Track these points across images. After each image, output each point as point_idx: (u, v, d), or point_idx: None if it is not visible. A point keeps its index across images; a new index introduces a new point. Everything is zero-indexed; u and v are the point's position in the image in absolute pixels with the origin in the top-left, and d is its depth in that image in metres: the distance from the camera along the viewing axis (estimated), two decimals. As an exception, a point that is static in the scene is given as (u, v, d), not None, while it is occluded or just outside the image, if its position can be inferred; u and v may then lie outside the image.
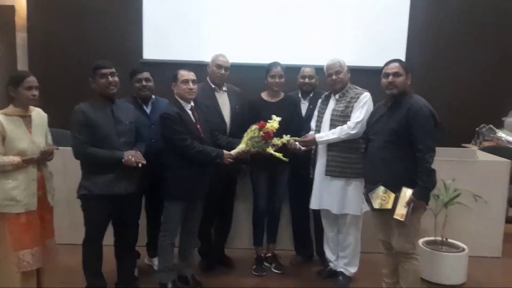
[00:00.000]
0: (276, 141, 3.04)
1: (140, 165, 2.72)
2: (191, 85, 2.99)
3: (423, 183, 2.59)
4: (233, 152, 3.01)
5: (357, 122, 3.02)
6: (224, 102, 3.42)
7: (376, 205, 2.72)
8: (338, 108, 3.14)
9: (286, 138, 3.09)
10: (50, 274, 2.85)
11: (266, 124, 3.00)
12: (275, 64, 3.39)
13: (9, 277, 2.62)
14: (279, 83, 3.36)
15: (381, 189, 2.70)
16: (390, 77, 2.70)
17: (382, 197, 2.70)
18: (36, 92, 2.62)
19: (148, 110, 3.27)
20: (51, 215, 2.81)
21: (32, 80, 2.60)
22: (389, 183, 2.68)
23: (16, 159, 2.53)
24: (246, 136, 3.02)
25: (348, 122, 3.06)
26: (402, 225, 2.65)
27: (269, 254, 3.58)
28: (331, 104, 3.22)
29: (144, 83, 3.21)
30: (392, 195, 2.66)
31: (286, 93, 3.52)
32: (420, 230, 2.75)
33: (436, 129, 2.63)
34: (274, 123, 3.01)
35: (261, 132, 2.98)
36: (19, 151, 2.56)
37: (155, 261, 3.42)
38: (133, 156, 2.72)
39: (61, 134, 3.26)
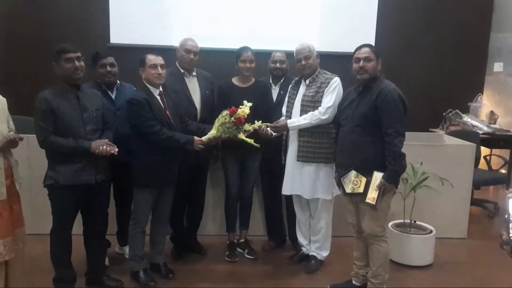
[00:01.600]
0: (248, 127, 3.01)
1: (113, 152, 2.65)
2: (159, 70, 2.92)
3: (392, 166, 2.63)
4: (204, 138, 2.97)
5: (328, 107, 3.03)
6: (194, 87, 3.37)
7: (348, 189, 2.75)
8: (309, 93, 3.14)
9: (257, 123, 3.07)
10: (17, 265, 2.73)
11: (237, 110, 2.96)
12: (245, 48, 3.35)
13: None
14: (250, 68, 3.33)
15: (352, 173, 2.73)
16: (361, 62, 2.71)
17: (354, 181, 2.73)
18: None
19: (113, 95, 3.19)
20: (19, 203, 2.70)
21: None
22: (360, 167, 2.71)
23: None
24: (217, 122, 2.98)
25: (319, 108, 3.06)
26: (373, 209, 2.69)
27: (242, 240, 3.58)
28: (301, 89, 3.21)
29: (108, 68, 3.11)
30: (364, 179, 2.69)
31: (257, 78, 3.49)
32: (389, 213, 2.80)
33: (405, 114, 2.66)
34: (245, 108, 2.98)
35: (232, 118, 2.94)
36: None
37: (126, 249, 3.37)
38: (105, 145, 2.65)
39: (24, 120, 3.16)
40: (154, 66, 2.90)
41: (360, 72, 2.73)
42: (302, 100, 3.14)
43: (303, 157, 3.13)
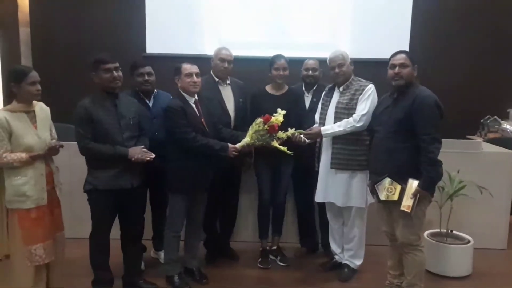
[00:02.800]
0: (281, 134, 3.04)
1: (149, 159, 2.74)
2: (194, 78, 2.98)
3: (428, 173, 2.59)
4: (237, 145, 3.01)
5: (363, 115, 3.01)
6: (228, 95, 3.42)
7: (383, 196, 2.72)
8: (343, 100, 3.13)
9: (291, 131, 3.08)
10: (57, 267, 2.86)
11: (271, 118, 2.99)
12: (279, 56, 3.38)
13: (21, 272, 2.62)
14: (283, 76, 3.36)
15: (387, 180, 2.70)
16: (397, 68, 2.69)
17: (388, 188, 2.70)
18: (39, 87, 2.60)
19: (150, 103, 3.27)
20: (59, 208, 2.82)
21: (35, 75, 2.58)
22: (394, 174, 2.68)
23: (24, 156, 2.53)
24: (251, 130, 3.02)
25: (354, 115, 3.05)
26: (408, 217, 2.65)
27: (274, 247, 3.59)
28: (335, 96, 3.21)
29: (146, 77, 3.21)
30: (399, 187, 2.66)
31: (289, 85, 3.50)
32: (425, 222, 2.75)
33: (441, 120, 2.62)
34: (279, 116, 3.01)
35: (266, 126, 2.98)
36: (26, 147, 2.55)
37: (161, 254, 3.43)
38: (140, 153, 2.74)
39: (65, 128, 3.27)
40: (190, 74, 2.97)
41: (396, 78, 2.71)
42: (336, 107, 3.14)
43: (337, 165, 3.12)
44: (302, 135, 3.14)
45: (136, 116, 2.89)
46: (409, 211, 2.62)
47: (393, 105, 2.74)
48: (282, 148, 3.01)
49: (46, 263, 2.72)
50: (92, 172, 2.77)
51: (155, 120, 3.20)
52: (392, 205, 2.72)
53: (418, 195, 2.60)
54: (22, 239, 2.58)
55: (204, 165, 3.02)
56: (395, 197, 2.66)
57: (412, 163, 2.64)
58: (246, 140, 3.01)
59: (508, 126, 5.17)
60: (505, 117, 5.38)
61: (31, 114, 2.63)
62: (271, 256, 3.56)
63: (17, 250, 2.61)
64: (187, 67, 2.99)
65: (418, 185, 2.60)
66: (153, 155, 2.77)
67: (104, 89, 2.76)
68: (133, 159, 2.71)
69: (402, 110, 2.65)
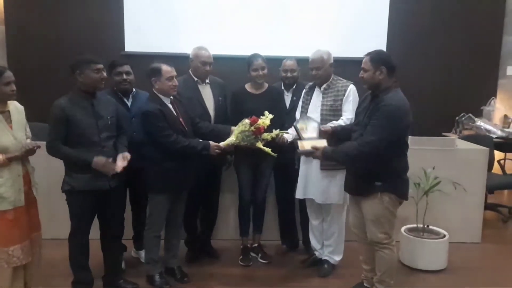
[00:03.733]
0: (266, 135, 3.03)
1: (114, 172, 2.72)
2: (175, 81, 2.97)
3: (343, 152, 2.64)
4: (222, 144, 3.01)
5: (351, 119, 3.01)
6: (207, 94, 3.42)
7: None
8: (327, 102, 3.15)
9: (275, 132, 3.08)
10: (35, 268, 2.83)
11: (258, 120, 2.99)
12: (255, 56, 3.38)
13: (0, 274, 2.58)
14: (262, 76, 3.37)
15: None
16: (361, 72, 2.69)
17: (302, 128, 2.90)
18: (14, 87, 2.55)
19: (129, 103, 3.25)
20: (36, 208, 2.79)
21: (9, 75, 2.53)
22: (360, 176, 2.72)
23: (1, 157, 2.49)
24: (237, 130, 3.02)
25: (343, 119, 3.07)
26: (375, 220, 2.70)
27: (255, 244, 3.61)
28: (316, 95, 3.24)
29: (124, 76, 3.18)
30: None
31: (270, 84, 3.53)
32: (403, 219, 2.79)
33: (405, 128, 2.59)
34: (266, 120, 3.01)
35: (252, 128, 2.98)
36: (2, 149, 2.51)
37: (142, 253, 3.43)
38: (104, 167, 2.68)
39: (41, 127, 3.23)
40: (171, 78, 2.94)
41: (363, 81, 2.71)
42: (322, 110, 3.15)
43: (327, 165, 3.07)
44: (285, 135, 3.16)
45: (114, 115, 2.86)
46: (300, 149, 2.78)
47: (368, 108, 2.72)
48: (266, 149, 3.01)
49: (23, 264, 2.69)
50: (70, 173, 2.73)
51: (134, 120, 3.18)
52: (362, 203, 2.76)
53: (315, 152, 2.72)
54: None
55: (186, 164, 3.01)
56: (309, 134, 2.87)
57: (380, 169, 2.63)
58: (231, 139, 3.01)
59: (481, 124, 5.31)
60: (479, 114, 5.53)
61: (5, 114, 2.58)
62: (252, 254, 3.59)
63: None
64: (169, 70, 2.93)
65: (325, 149, 2.70)
66: (122, 167, 2.74)
67: (86, 89, 2.72)
68: (93, 162, 2.66)
69: (371, 114, 2.61)
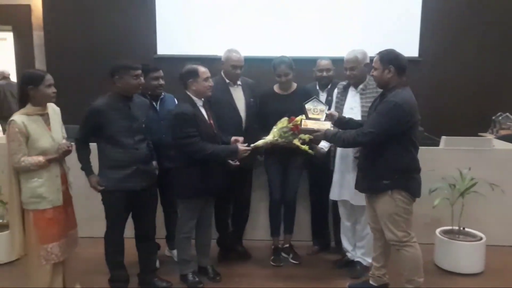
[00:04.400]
0: (304, 136, 3.00)
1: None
2: (211, 81, 3.00)
3: (341, 137, 2.72)
4: (259, 142, 3.00)
5: None
6: (238, 96, 3.45)
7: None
8: (366, 104, 3.10)
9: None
10: (71, 264, 2.93)
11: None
12: (279, 62, 3.36)
13: (38, 271, 2.68)
14: (285, 81, 3.37)
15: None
16: (372, 70, 2.76)
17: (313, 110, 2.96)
18: (55, 89, 2.66)
19: (157, 106, 3.33)
20: (72, 207, 2.89)
21: (50, 78, 2.64)
22: (369, 175, 2.75)
23: (42, 159, 2.58)
24: (275, 128, 3.03)
25: None
26: (389, 218, 2.70)
27: (286, 245, 3.62)
28: (351, 95, 3.20)
29: (161, 81, 3.27)
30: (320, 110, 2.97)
31: (302, 84, 3.53)
32: (411, 219, 2.75)
33: (401, 126, 2.59)
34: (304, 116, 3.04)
35: (291, 124, 2.99)
36: (42, 150, 2.60)
37: (175, 252, 3.49)
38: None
39: (73, 130, 3.31)
40: (207, 78, 2.98)
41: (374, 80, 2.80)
42: (362, 111, 3.11)
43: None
44: (321, 143, 3.16)
45: (146, 118, 2.95)
46: (303, 126, 2.89)
47: (377, 103, 2.78)
48: (303, 147, 3.00)
49: (62, 261, 2.79)
50: (103, 172, 2.82)
51: (163, 123, 3.25)
52: (375, 203, 2.77)
53: (317, 132, 2.82)
54: (38, 239, 2.63)
55: (214, 170, 3.00)
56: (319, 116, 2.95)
57: (386, 164, 2.66)
58: (269, 138, 3.01)
59: (520, 123, 5.15)
60: (517, 113, 5.36)
61: (45, 117, 2.68)
62: (283, 254, 3.59)
63: (33, 250, 2.67)
64: (205, 71, 2.97)
65: (327, 131, 2.80)
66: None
67: (124, 93, 2.81)
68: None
69: (375, 109, 2.71)
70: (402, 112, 2.57)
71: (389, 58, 2.67)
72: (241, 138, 3.08)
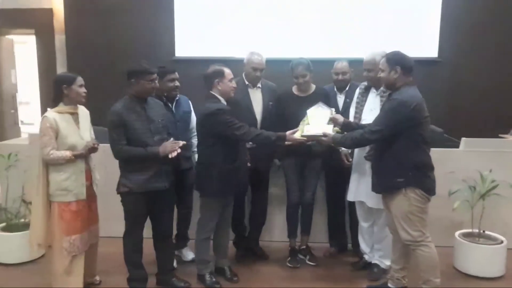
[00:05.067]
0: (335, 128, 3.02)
1: (178, 150, 2.81)
2: (235, 83, 3.07)
3: (351, 136, 2.79)
4: (296, 135, 3.00)
5: None
6: (257, 99, 3.46)
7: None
8: None
9: (336, 129, 3.08)
10: (92, 257, 3.10)
11: None
12: (297, 63, 3.37)
13: (61, 261, 2.85)
14: (303, 83, 3.38)
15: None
16: (379, 71, 2.82)
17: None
18: (85, 90, 2.87)
19: (173, 108, 3.36)
20: (95, 203, 3.05)
21: (81, 79, 2.87)
22: (382, 174, 2.78)
23: (68, 154, 2.77)
24: (302, 124, 3.05)
25: None
26: (404, 217, 2.71)
27: (303, 246, 3.62)
28: (372, 96, 3.19)
29: (177, 83, 3.31)
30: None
31: (321, 85, 3.53)
32: (427, 218, 2.74)
33: (405, 122, 2.62)
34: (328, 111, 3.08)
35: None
36: (70, 146, 2.80)
37: (184, 252, 3.57)
38: (171, 147, 2.80)
39: (98, 131, 3.38)
40: (232, 80, 3.04)
41: (381, 81, 2.87)
42: None
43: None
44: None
45: (164, 118, 3.00)
46: (305, 132, 2.94)
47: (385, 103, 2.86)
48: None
49: (82, 255, 2.94)
50: (127, 175, 2.87)
51: (178, 124, 3.31)
52: (390, 203, 2.79)
53: (323, 137, 2.87)
54: (62, 230, 2.82)
55: (241, 167, 3.07)
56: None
57: (398, 161, 2.68)
58: (297, 134, 3.00)
59: (542, 124, 5.03)
60: (539, 114, 5.24)
61: (75, 116, 2.89)
62: (300, 256, 3.59)
63: (57, 241, 2.85)
64: (230, 72, 3.04)
65: (334, 136, 2.85)
66: (182, 143, 2.85)
67: (139, 96, 2.87)
68: (165, 153, 2.78)
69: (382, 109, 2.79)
70: (406, 109, 2.62)
71: (396, 59, 2.74)
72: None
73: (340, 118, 3.02)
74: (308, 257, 3.59)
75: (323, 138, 2.89)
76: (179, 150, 2.81)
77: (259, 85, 3.48)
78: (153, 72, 2.86)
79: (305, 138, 2.97)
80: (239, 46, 4.26)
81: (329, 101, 3.49)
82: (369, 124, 2.82)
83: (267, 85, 3.55)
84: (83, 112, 2.95)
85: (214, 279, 3.17)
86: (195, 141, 3.40)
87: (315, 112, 3.05)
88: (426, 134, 2.71)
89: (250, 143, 3.22)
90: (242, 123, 2.94)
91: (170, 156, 2.79)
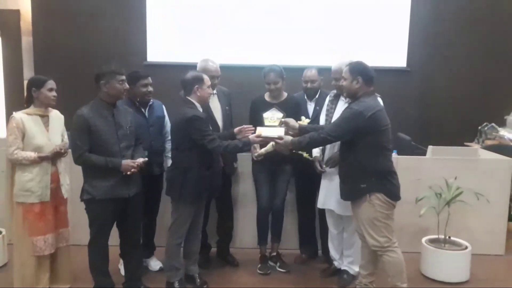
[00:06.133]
0: (269, 148, 3.04)
1: (135, 171, 2.78)
2: (211, 89, 3.08)
3: (307, 139, 2.83)
4: (263, 150, 3.06)
5: None
6: (215, 105, 3.44)
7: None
8: None
9: (305, 120, 3.17)
10: (62, 260, 3.07)
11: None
12: (269, 70, 3.40)
13: (23, 260, 2.88)
14: (274, 89, 3.40)
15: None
16: (341, 80, 2.91)
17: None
18: (55, 94, 2.88)
19: (146, 113, 3.32)
20: (65, 206, 3.03)
21: (52, 83, 2.88)
22: (347, 181, 2.85)
23: (33, 155, 2.78)
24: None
25: None
26: (370, 224, 2.75)
27: (274, 253, 3.61)
28: (341, 105, 3.22)
29: (150, 88, 3.27)
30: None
31: (291, 93, 3.55)
32: (392, 224, 2.79)
33: (359, 130, 2.68)
34: (303, 122, 3.16)
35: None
36: (36, 147, 2.81)
37: (150, 261, 3.51)
38: (133, 169, 2.75)
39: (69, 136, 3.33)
40: (209, 86, 3.04)
41: (343, 89, 2.98)
42: None
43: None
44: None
45: (132, 125, 2.92)
46: (256, 133, 3.00)
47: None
48: (306, 155, 3.11)
49: (50, 256, 2.96)
50: (91, 182, 2.78)
51: (151, 129, 3.26)
52: (356, 210, 2.83)
53: (278, 140, 2.92)
54: (26, 230, 2.84)
55: (214, 173, 3.08)
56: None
57: (360, 167, 2.74)
58: (268, 147, 3.03)
59: (505, 133, 5.20)
60: (502, 124, 5.42)
61: (45, 119, 2.90)
62: (270, 263, 3.59)
63: (20, 240, 2.88)
64: (208, 78, 3.04)
65: (293, 139, 2.89)
66: (143, 160, 2.81)
67: (108, 99, 2.80)
68: (125, 173, 2.74)
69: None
70: (361, 118, 2.67)
71: (358, 69, 2.79)
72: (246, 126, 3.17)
73: (292, 121, 3.09)
74: (278, 264, 3.58)
75: (278, 140, 2.93)
76: (135, 171, 2.77)
77: (214, 91, 3.44)
78: (123, 73, 2.81)
79: (261, 139, 2.99)
80: (209, 52, 4.25)
81: (300, 109, 3.53)
82: (326, 126, 2.89)
83: (221, 91, 3.54)
84: (56, 116, 2.96)
85: (183, 287, 3.12)
86: (168, 146, 3.37)
87: (270, 114, 3.13)
88: (387, 141, 2.77)
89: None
90: (214, 136, 2.94)
91: (129, 173, 2.76)
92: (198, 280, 3.23)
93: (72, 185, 3.10)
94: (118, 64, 2.84)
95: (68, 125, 3.05)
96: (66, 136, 2.98)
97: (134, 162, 2.77)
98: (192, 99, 3.01)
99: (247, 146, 3.01)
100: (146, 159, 2.87)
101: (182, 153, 2.99)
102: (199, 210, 3.15)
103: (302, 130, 3.06)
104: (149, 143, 3.16)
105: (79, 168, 2.85)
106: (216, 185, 3.16)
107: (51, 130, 2.88)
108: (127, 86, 2.85)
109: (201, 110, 3.02)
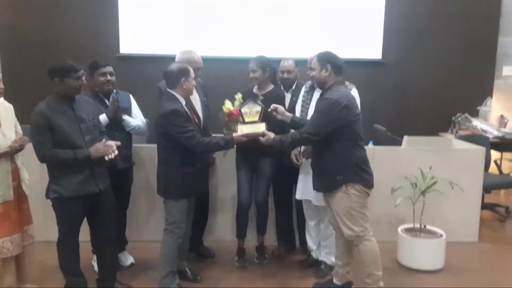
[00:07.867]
0: (248, 117, 3.04)
1: (115, 152, 2.63)
2: (194, 81, 2.99)
3: (289, 138, 2.82)
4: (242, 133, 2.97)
5: None
6: (194, 97, 3.34)
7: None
8: None
9: (239, 95, 3.18)
10: (28, 259, 2.89)
11: (235, 112, 3.08)
12: (250, 59, 3.38)
13: None
14: (254, 78, 3.36)
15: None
16: (310, 70, 2.92)
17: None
18: (2, 85, 2.65)
19: (109, 103, 3.18)
20: (27, 203, 2.86)
21: None
22: (322, 173, 2.82)
23: None
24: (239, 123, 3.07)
25: None
26: (346, 214, 2.75)
27: (257, 245, 3.58)
28: (316, 95, 3.19)
29: (108, 77, 3.14)
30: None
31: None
32: (367, 213, 2.80)
33: (339, 120, 2.67)
34: (236, 102, 3.13)
35: (226, 117, 3.07)
36: None
37: (121, 256, 3.42)
38: (103, 150, 2.61)
39: (28, 129, 3.18)
40: (193, 78, 2.95)
41: (312, 80, 2.97)
42: None
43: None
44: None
45: (94, 117, 2.79)
46: (238, 132, 2.94)
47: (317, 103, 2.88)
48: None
49: (16, 257, 2.79)
50: (56, 180, 2.63)
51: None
52: (330, 201, 2.81)
53: (262, 137, 2.91)
54: None
55: (203, 167, 3.04)
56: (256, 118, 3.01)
57: (336, 159, 2.72)
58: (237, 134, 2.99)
59: (478, 124, 5.32)
60: (475, 114, 5.54)
61: None
62: (256, 254, 3.56)
63: None
64: (192, 70, 2.93)
65: (275, 137, 2.87)
66: (116, 143, 2.66)
67: (66, 94, 2.63)
68: (92, 154, 2.59)
69: (316, 109, 2.82)
70: (338, 107, 2.65)
71: (326, 58, 2.79)
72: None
73: (281, 108, 3.07)
74: (256, 255, 3.56)
75: (261, 138, 2.90)
76: (116, 152, 2.62)
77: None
78: (78, 70, 2.61)
79: (245, 139, 2.95)
80: (184, 44, 4.18)
81: (280, 102, 3.48)
82: (306, 125, 2.82)
83: (198, 82, 3.47)
84: (5, 107, 2.69)
85: None
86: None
87: (248, 109, 3.06)
88: (360, 130, 2.78)
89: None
90: (194, 132, 2.81)
91: (107, 158, 2.60)
92: (190, 273, 3.19)
93: (41, 180, 2.98)
94: (73, 60, 2.66)
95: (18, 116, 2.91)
96: (19, 127, 2.77)
97: (104, 145, 2.62)
98: (175, 92, 2.88)
99: (230, 144, 2.95)
100: (119, 142, 2.70)
101: (165, 150, 2.90)
102: (190, 205, 3.05)
103: (292, 123, 3.05)
104: (113, 135, 2.97)
105: (35, 161, 2.64)
106: (203, 180, 3.10)
107: (3, 124, 2.65)
108: (84, 81, 2.66)
109: (183, 103, 2.91)
